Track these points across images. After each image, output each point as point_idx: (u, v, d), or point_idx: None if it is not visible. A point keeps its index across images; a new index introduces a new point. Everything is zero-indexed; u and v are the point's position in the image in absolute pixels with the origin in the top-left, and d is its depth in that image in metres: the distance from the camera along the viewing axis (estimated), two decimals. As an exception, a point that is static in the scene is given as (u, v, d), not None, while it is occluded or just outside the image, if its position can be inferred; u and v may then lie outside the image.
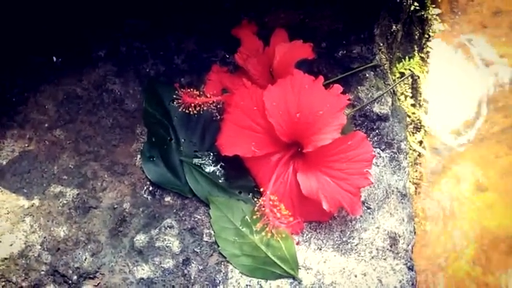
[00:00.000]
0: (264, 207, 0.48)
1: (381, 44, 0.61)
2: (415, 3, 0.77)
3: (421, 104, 0.86)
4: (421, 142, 0.85)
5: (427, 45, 0.87)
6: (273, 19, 0.57)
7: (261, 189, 0.52)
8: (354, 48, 0.58)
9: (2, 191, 0.54)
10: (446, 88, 0.89)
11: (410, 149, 0.81)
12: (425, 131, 0.85)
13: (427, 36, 0.87)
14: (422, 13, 0.81)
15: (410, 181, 0.82)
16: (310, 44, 0.52)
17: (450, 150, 0.86)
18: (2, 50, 0.59)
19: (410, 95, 0.80)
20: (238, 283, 0.51)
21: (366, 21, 0.58)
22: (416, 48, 0.81)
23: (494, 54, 0.91)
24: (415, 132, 0.84)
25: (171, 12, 0.59)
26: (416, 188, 0.84)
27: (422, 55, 0.85)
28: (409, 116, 0.80)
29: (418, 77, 0.83)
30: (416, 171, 0.84)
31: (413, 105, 0.82)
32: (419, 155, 0.84)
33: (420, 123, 0.84)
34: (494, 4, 0.94)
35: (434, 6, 0.85)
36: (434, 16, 0.87)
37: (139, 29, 0.60)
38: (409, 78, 0.79)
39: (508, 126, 0.87)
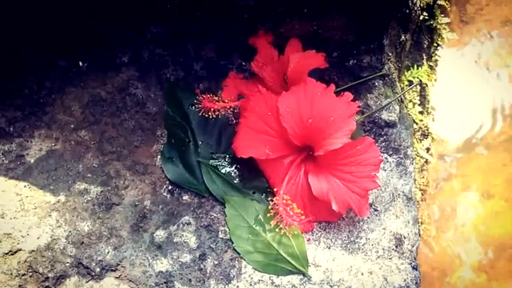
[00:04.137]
0: (277, 205, 0.49)
1: (390, 54, 0.60)
2: (424, 13, 0.75)
3: (428, 111, 0.85)
4: (428, 149, 0.84)
5: (436, 54, 0.85)
6: (288, 30, 0.57)
7: (274, 190, 0.53)
8: (364, 58, 0.58)
9: (30, 188, 0.55)
10: (454, 96, 0.87)
11: (417, 156, 0.80)
12: (432, 138, 0.84)
13: (435, 45, 0.84)
14: (431, 22, 0.80)
15: (417, 187, 0.80)
16: (323, 53, 0.52)
17: (457, 158, 0.85)
18: (31, 55, 0.60)
19: (418, 102, 0.79)
20: (251, 278, 0.52)
21: (376, 32, 0.58)
22: (425, 57, 0.79)
23: (503, 64, 0.89)
24: (423, 139, 0.83)
25: (191, 21, 0.59)
26: (422, 194, 0.82)
27: (431, 63, 0.84)
28: (417, 123, 0.80)
29: (426, 85, 0.81)
30: (423, 177, 0.83)
31: (421, 112, 0.81)
32: (427, 161, 0.83)
33: (428, 130, 0.83)
34: (503, 13, 0.91)
35: (443, 15, 0.82)
36: (443, 25, 0.83)
37: (160, 37, 0.60)
38: (417, 86, 0.78)
39: (515, 134, 0.86)
